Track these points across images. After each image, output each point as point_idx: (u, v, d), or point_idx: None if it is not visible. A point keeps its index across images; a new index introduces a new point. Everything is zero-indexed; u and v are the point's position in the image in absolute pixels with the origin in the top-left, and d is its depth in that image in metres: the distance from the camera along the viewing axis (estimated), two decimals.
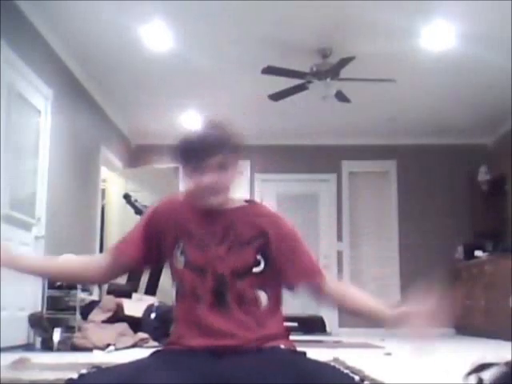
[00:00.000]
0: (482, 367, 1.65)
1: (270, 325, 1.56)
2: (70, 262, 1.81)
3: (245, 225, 1.61)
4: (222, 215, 1.61)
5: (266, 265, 1.57)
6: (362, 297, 1.61)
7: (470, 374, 1.68)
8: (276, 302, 1.60)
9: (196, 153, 1.57)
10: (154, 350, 1.59)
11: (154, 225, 1.67)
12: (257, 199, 1.69)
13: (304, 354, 1.50)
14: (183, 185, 1.68)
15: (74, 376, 1.36)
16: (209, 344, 1.49)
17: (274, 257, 1.58)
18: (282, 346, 1.50)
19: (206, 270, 1.55)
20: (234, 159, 1.61)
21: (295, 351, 1.52)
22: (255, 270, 1.56)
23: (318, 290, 1.60)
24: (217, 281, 1.54)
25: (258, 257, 1.57)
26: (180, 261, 1.59)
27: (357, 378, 1.36)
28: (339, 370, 1.38)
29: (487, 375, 1.63)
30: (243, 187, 8.76)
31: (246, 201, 1.70)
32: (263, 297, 1.56)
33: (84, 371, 1.39)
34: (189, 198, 1.64)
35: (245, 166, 8.80)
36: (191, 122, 8.09)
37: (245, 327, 1.51)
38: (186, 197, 1.66)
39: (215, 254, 1.56)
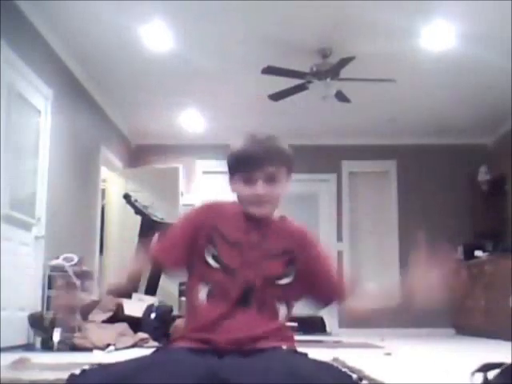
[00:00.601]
0: (488, 367, 1.66)
1: (281, 330, 1.62)
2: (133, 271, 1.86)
3: (278, 239, 1.67)
4: (259, 225, 1.66)
5: (294, 279, 1.63)
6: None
7: (475, 372, 1.68)
8: (290, 312, 1.67)
9: (247, 163, 1.62)
10: (156, 347, 1.60)
11: (194, 225, 1.70)
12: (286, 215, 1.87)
13: (305, 355, 1.51)
14: (232, 192, 1.72)
15: (77, 372, 1.38)
16: (224, 338, 1.53)
17: (302, 274, 1.65)
18: (284, 347, 1.52)
19: (237, 272, 1.60)
20: (283, 173, 1.66)
21: (296, 352, 1.52)
22: (281, 281, 1.62)
23: (342, 301, 1.71)
24: (246, 284, 1.59)
25: (287, 270, 1.63)
26: (212, 262, 1.63)
27: (355, 376, 1.37)
28: (338, 369, 1.40)
29: (493, 375, 1.64)
30: None
31: (282, 216, 1.76)
32: (283, 310, 1.63)
33: (86, 367, 1.41)
34: (238, 206, 1.69)
35: None
36: (191, 121, 8.10)
37: (257, 326, 1.56)
38: (235, 204, 1.70)
39: (247, 259, 1.61)
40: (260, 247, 1.63)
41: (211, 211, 1.71)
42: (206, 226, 1.67)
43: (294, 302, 1.68)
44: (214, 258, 1.63)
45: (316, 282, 1.67)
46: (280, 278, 1.61)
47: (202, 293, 1.62)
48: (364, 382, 1.40)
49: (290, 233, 1.70)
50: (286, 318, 1.64)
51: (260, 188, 1.60)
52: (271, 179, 1.62)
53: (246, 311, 1.57)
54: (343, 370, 1.39)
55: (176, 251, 1.69)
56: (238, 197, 1.67)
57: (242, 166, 1.63)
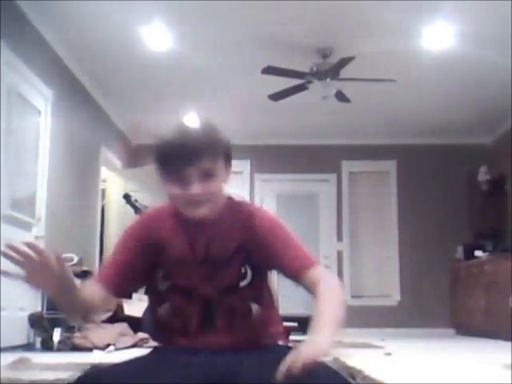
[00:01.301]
0: None
1: (265, 330, 1.53)
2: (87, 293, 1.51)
3: (226, 238, 1.49)
4: (204, 229, 1.48)
5: (253, 274, 1.50)
6: (320, 312, 1.36)
7: None
8: (269, 306, 1.56)
9: (176, 160, 1.40)
10: (154, 348, 1.58)
11: (134, 248, 1.52)
12: (237, 196, 1.57)
13: None
14: (165, 195, 1.49)
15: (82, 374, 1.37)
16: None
17: (261, 260, 1.49)
18: (280, 343, 1.51)
19: (191, 292, 1.48)
20: (221, 165, 1.46)
21: (291, 348, 1.53)
22: (242, 283, 1.49)
23: (306, 279, 1.45)
24: (203, 302, 1.48)
25: (243, 269, 1.49)
26: (163, 283, 1.51)
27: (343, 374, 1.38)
28: (331, 368, 1.38)
29: None
30: (243, 187, 8.76)
31: (228, 198, 1.56)
32: (254, 307, 1.51)
33: (88, 371, 1.41)
34: (174, 209, 1.49)
35: (245, 166, 8.81)
36: (191, 121, 8.09)
37: (235, 340, 1.48)
38: (171, 208, 1.50)
39: (199, 276, 1.47)
40: (209, 256, 1.47)
41: (149, 227, 1.53)
42: (149, 244, 1.50)
43: (266, 296, 1.55)
44: (166, 278, 1.50)
45: (275, 261, 1.49)
46: (241, 279, 1.48)
47: (163, 313, 1.53)
48: (358, 381, 1.40)
49: (238, 222, 1.50)
50: (266, 312, 1.52)
51: (195, 188, 1.40)
52: (207, 175, 1.41)
53: (211, 332, 1.48)
54: (333, 368, 1.39)
55: (117, 278, 1.51)
56: (173, 199, 1.46)
57: (172, 163, 1.41)
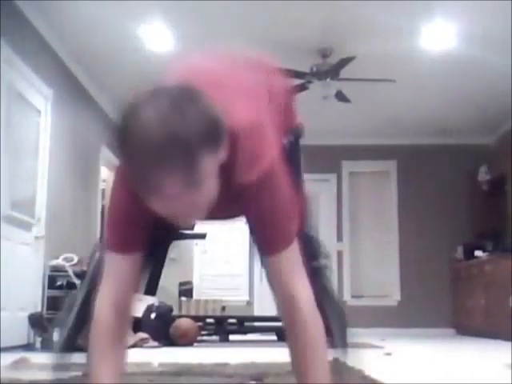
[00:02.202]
0: None
1: None
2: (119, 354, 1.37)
3: (227, 204, 1.25)
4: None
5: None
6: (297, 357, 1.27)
7: None
8: None
9: (145, 170, 1.03)
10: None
11: (135, 218, 1.35)
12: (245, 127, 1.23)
13: None
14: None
15: None
16: None
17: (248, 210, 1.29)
18: None
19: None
20: (208, 162, 1.05)
21: None
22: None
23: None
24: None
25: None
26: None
27: None
28: None
29: None
30: None
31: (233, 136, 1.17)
32: None
33: None
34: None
35: None
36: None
37: None
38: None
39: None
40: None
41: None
42: (145, 217, 1.28)
43: None
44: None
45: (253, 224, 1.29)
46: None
47: None
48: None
49: (240, 190, 1.22)
50: None
51: (175, 206, 1.07)
52: (189, 184, 1.05)
53: None
54: None
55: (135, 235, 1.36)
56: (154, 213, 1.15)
57: (141, 174, 1.06)
